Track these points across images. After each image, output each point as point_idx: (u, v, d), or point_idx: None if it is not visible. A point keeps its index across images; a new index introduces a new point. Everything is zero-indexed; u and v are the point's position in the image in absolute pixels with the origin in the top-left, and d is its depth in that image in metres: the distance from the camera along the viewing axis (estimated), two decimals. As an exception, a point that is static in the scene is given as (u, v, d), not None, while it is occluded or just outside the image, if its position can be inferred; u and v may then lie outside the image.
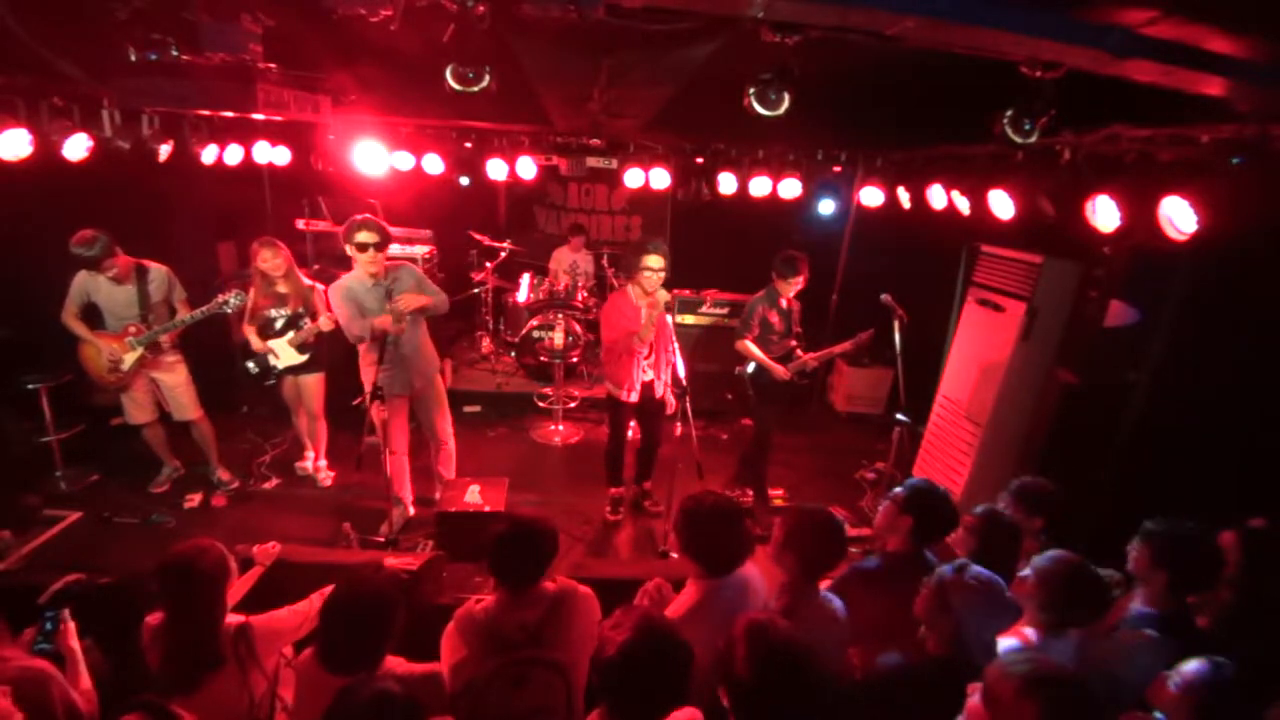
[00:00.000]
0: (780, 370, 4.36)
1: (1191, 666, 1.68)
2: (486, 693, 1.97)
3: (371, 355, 3.82)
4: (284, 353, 4.43)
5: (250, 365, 4.42)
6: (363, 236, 3.66)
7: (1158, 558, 2.19)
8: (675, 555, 3.90)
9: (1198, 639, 2.13)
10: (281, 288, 4.33)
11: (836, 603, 2.23)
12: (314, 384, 4.60)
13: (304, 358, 4.47)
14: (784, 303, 4.42)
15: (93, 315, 4.08)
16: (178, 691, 1.98)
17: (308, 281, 4.48)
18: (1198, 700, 1.64)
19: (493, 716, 1.96)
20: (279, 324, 4.38)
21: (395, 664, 2.02)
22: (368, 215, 3.75)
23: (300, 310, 4.39)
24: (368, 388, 3.86)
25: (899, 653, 2.02)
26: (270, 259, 4.24)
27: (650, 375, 4.24)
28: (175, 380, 4.33)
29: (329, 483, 4.84)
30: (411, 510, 4.33)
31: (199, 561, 2.07)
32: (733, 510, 2.20)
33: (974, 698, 1.54)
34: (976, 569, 1.96)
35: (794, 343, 4.52)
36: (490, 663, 1.99)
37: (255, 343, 4.36)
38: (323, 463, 4.90)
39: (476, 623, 2.08)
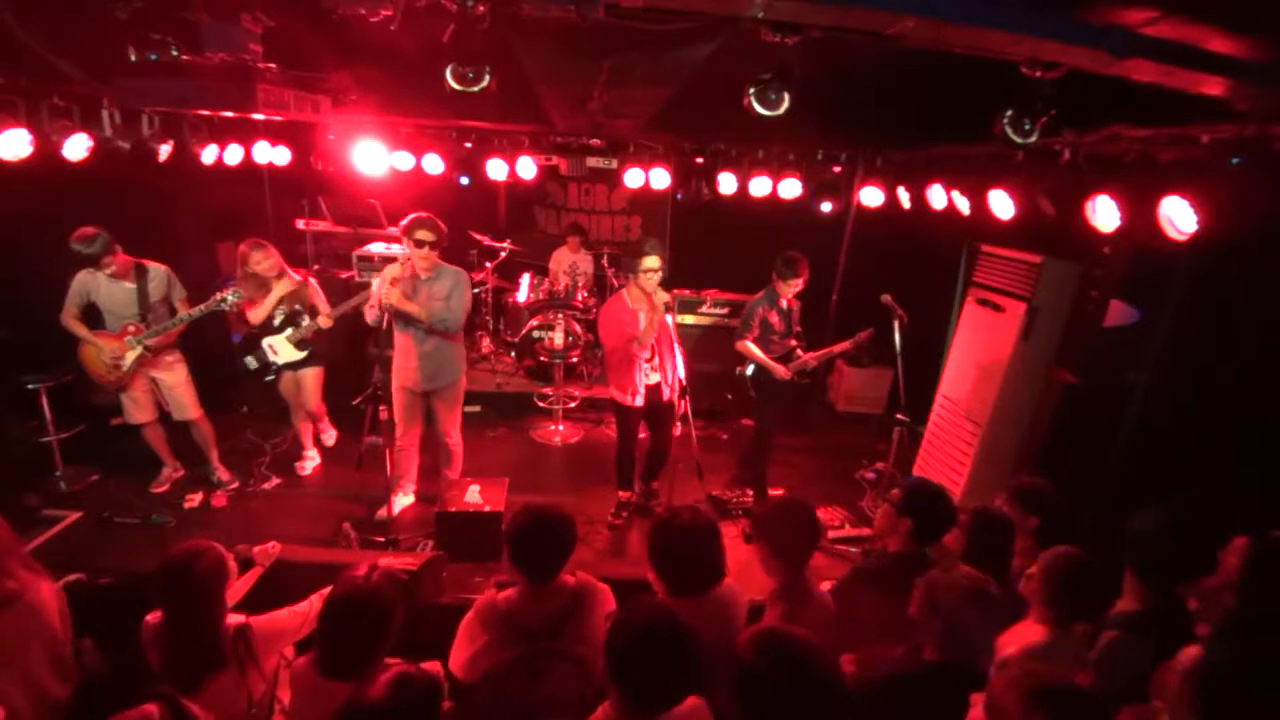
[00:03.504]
0: (781, 370, 4.36)
1: (1189, 654, 1.68)
2: (504, 683, 2.00)
3: (395, 343, 4.02)
4: (283, 349, 4.46)
5: (249, 361, 4.44)
6: (421, 234, 3.82)
7: (1124, 546, 2.20)
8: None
9: (1185, 635, 2.12)
10: (276, 286, 4.35)
11: (827, 599, 2.25)
12: (313, 378, 4.64)
13: (303, 354, 4.52)
14: (784, 303, 4.42)
15: (92, 315, 4.08)
16: (179, 692, 1.97)
17: (297, 278, 4.48)
18: (1199, 687, 1.62)
19: (509, 706, 1.98)
20: (277, 321, 4.40)
21: (394, 666, 2.02)
22: (428, 214, 3.90)
23: (298, 308, 4.41)
24: (395, 380, 4.05)
25: (897, 657, 2.01)
26: (261, 260, 4.26)
27: (655, 378, 4.20)
28: (175, 379, 4.33)
29: (306, 471, 4.90)
30: (410, 499, 4.35)
31: (197, 563, 2.07)
32: (705, 530, 2.15)
33: (976, 709, 1.52)
34: (965, 568, 1.96)
35: (794, 342, 4.52)
36: (509, 652, 2.02)
37: (262, 312, 4.31)
38: (312, 452, 4.97)
39: (498, 612, 2.10)
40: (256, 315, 4.33)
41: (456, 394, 4.27)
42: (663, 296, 3.92)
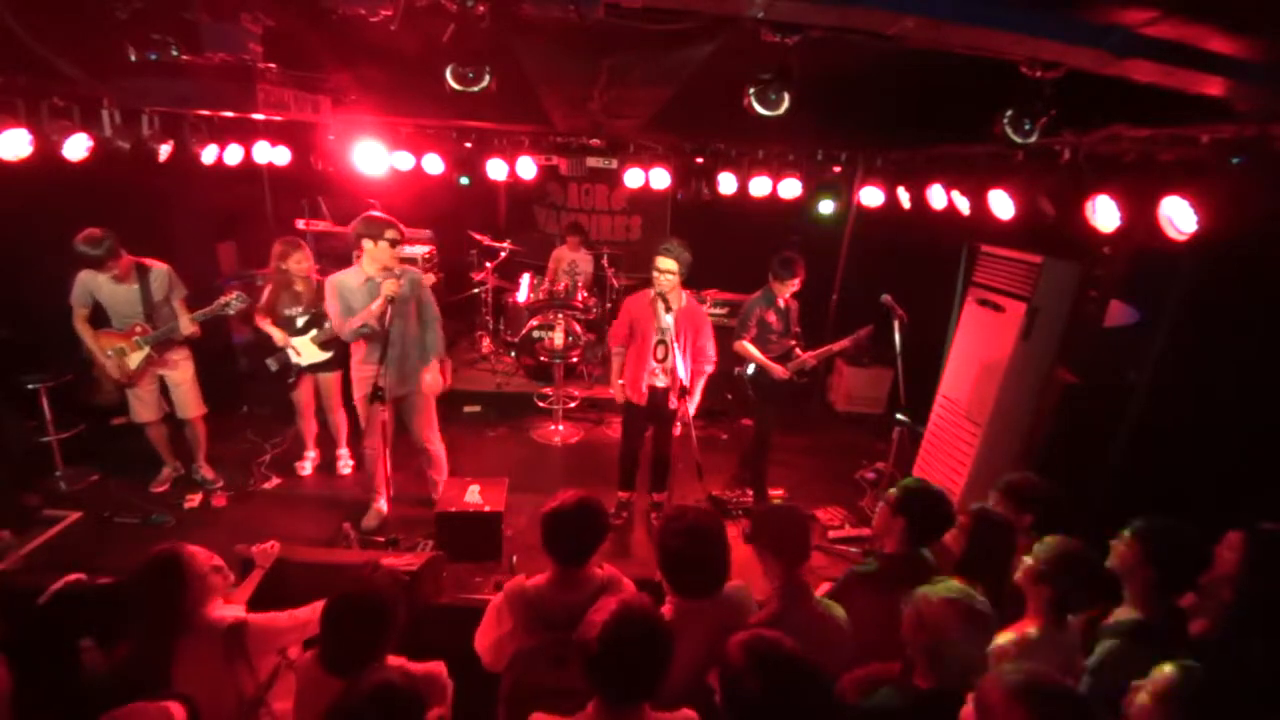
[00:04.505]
0: (779, 369, 4.36)
1: (1163, 674, 1.63)
2: (529, 668, 2.03)
3: (359, 353, 3.91)
4: (306, 350, 4.47)
5: (270, 363, 4.44)
6: (393, 233, 3.76)
7: (1145, 554, 2.17)
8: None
9: (1182, 645, 2.11)
10: (299, 287, 4.40)
11: (836, 610, 2.20)
12: (333, 381, 4.65)
13: (327, 355, 4.51)
14: (781, 302, 4.43)
15: (97, 314, 4.09)
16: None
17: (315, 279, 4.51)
18: (1172, 710, 1.59)
19: (532, 691, 2.00)
20: (299, 322, 4.42)
21: (397, 664, 2.02)
22: (382, 212, 3.85)
23: (317, 309, 4.43)
24: (360, 389, 3.93)
25: (888, 680, 1.96)
26: (300, 260, 4.33)
27: (664, 381, 4.15)
28: (182, 377, 4.34)
29: (348, 470, 4.90)
30: (385, 508, 4.26)
31: (148, 575, 2.06)
32: (711, 532, 2.12)
33: (967, 706, 1.52)
34: (951, 583, 1.90)
35: (793, 342, 4.52)
36: (534, 639, 2.06)
37: (277, 336, 4.38)
38: (344, 451, 4.94)
39: (526, 598, 2.14)
40: (265, 328, 4.38)
41: (425, 398, 4.13)
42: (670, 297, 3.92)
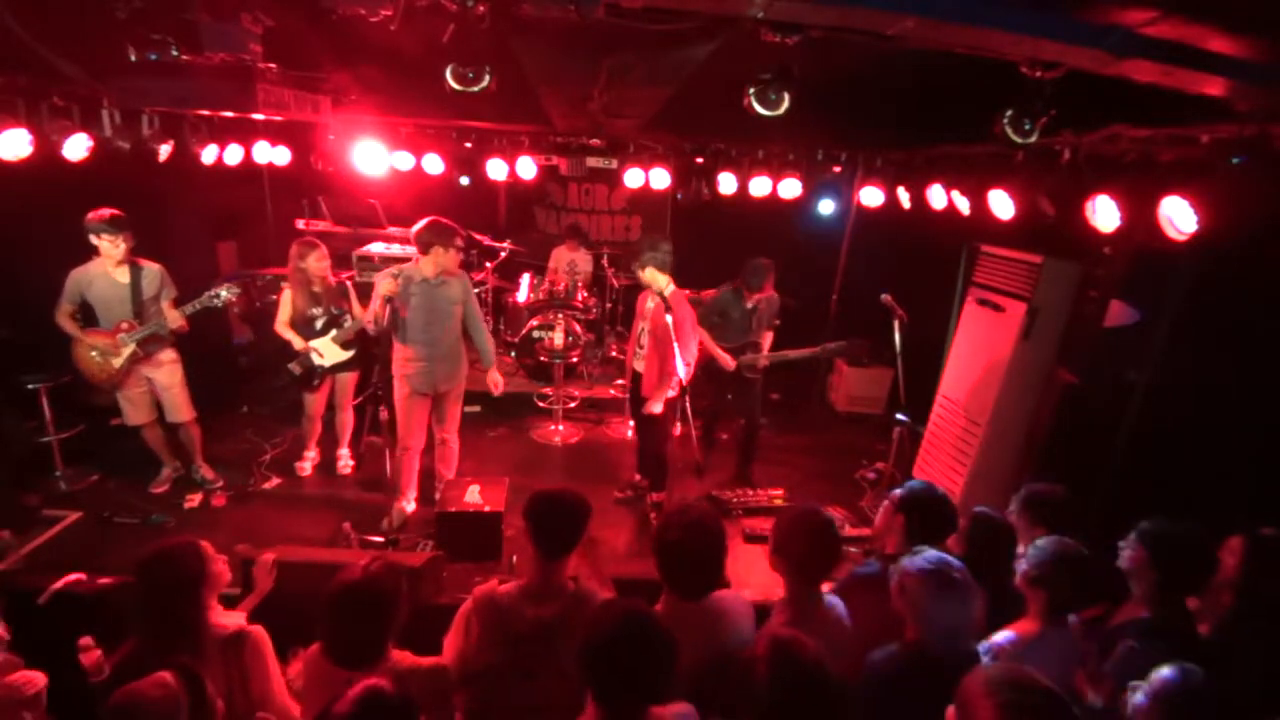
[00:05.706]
0: (727, 361, 4.49)
1: (1161, 674, 1.62)
2: (498, 682, 1.99)
3: (406, 350, 3.97)
4: (329, 351, 4.49)
5: (292, 367, 4.45)
6: (461, 240, 3.97)
7: (1149, 556, 2.18)
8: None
9: (1192, 645, 2.11)
10: (317, 287, 4.41)
11: (840, 607, 2.20)
12: (351, 381, 4.69)
13: (349, 354, 4.54)
14: (748, 304, 4.54)
15: (86, 315, 4.08)
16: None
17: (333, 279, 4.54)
18: (1168, 710, 1.58)
19: (502, 706, 1.97)
20: (319, 324, 4.43)
21: (402, 657, 2.01)
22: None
23: (334, 311, 4.46)
24: (398, 383, 4.01)
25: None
26: (319, 258, 4.36)
27: (643, 366, 4.28)
28: (171, 380, 4.31)
29: (348, 471, 4.91)
30: (412, 507, 4.33)
31: (171, 563, 2.04)
32: (708, 531, 2.09)
33: (952, 706, 1.53)
34: (931, 552, 1.94)
35: (753, 338, 4.67)
36: (502, 650, 2.02)
37: (297, 343, 4.42)
38: (344, 451, 4.95)
39: (496, 606, 2.10)
40: (284, 334, 4.42)
41: (461, 392, 4.33)
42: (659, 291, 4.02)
